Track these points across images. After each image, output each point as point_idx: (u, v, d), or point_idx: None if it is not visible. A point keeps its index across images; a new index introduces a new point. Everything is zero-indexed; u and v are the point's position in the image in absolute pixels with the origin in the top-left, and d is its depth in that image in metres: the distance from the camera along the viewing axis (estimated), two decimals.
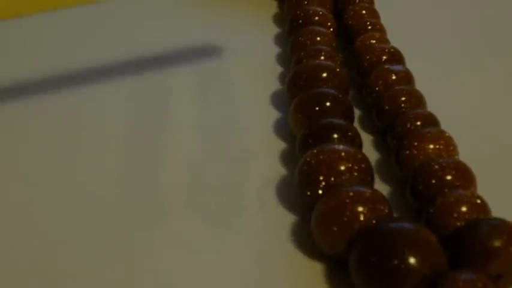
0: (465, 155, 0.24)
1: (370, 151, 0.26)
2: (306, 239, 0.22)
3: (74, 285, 0.21)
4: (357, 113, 0.28)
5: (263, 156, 0.26)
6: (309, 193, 0.22)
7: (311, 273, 0.21)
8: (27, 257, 0.22)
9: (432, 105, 0.26)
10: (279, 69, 0.31)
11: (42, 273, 0.21)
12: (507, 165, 0.25)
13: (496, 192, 0.22)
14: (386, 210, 0.21)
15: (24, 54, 0.32)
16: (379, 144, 0.27)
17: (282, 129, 0.27)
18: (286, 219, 0.23)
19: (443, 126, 0.25)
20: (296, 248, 0.22)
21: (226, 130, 0.28)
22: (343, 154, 0.22)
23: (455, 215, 0.21)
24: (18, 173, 0.25)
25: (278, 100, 0.29)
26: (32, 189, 0.24)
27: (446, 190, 0.22)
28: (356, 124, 0.27)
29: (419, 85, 0.27)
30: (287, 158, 0.26)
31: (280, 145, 0.27)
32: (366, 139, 0.26)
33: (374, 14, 0.32)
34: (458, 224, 0.21)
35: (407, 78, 0.27)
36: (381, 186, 0.24)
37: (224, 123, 0.28)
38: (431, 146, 0.23)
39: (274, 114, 0.28)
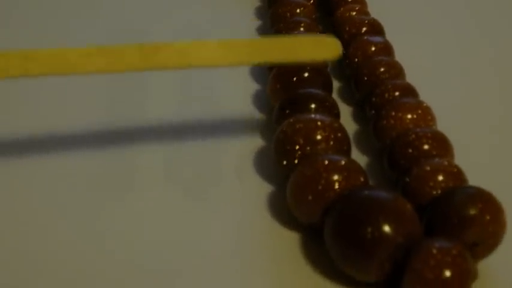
0: (443, 125, 0.23)
1: (348, 123, 0.26)
2: (283, 209, 0.22)
3: (45, 255, 0.20)
4: (336, 85, 0.28)
5: (241, 128, 0.26)
6: (285, 162, 0.22)
7: (287, 243, 0.21)
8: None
9: (411, 77, 0.26)
10: None
11: (11, 240, 0.21)
12: (485, 135, 0.25)
13: (473, 162, 0.22)
14: (362, 179, 0.21)
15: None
16: (357, 116, 0.26)
17: (260, 101, 0.27)
18: (263, 189, 0.23)
19: (422, 97, 0.25)
20: (272, 218, 0.22)
21: (204, 102, 0.27)
22: (319, 123, 0.22)
23: (431, 183, 0.21)
24: None
25: (257, 73, 0.29)
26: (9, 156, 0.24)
27: (422, 159, 0.21)
28: (335, 96, 0.27)
29: (400, 57, 0.27)
30: (265, 130, 0.26)
31: (258, 117, 0.26)
32: (345, 111, 0.26)
33: None
34: (435, 193, 0.20)
35: (386, 49, 0.27)
36: (359, 158, 0.24)
37: (202, 95, 0.28)
38: (409, 116, 0.23)
39: (253, 87, 0.28)
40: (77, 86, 0.28)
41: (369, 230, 0.19)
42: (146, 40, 0.30)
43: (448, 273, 0.18)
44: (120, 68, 0.19)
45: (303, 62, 0.20)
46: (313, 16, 0.30)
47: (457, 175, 0.21)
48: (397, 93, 0.24)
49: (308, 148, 0.21)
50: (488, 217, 0.19)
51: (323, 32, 0.30)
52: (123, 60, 0.19)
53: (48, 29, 0.32)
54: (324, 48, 0.20)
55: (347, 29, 0.28)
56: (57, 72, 0.19)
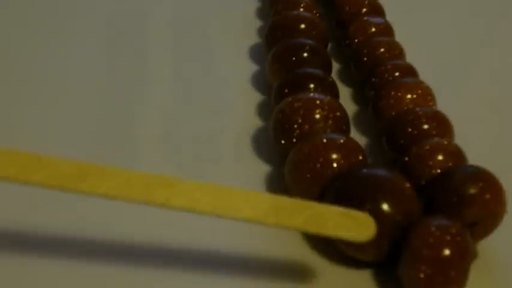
0: (444, 105, 0.23)
1: (348, 104, 0.26)
2: (281, 188, 0.22)
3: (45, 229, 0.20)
4: (336, 66, 0.27)
5: (240, 108, 0.26)
6: (283, 141, 0.22)
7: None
8: None
9: (412, 58, 0.26)
10: (258, 23, 0.31)
11: None
12: (485, 115, 0.25)
13: (473, 142, 0.22)
14: (361, 158, 0.20)
15: None
16: (357, 98, 0.26)
17: (259, 82, 0.27)
18: (261, 169, 0.23)
19: (422, 77, 0.24)
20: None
21: (203, 82, 0.27)
22: (318, 102, 0.22)
23: (430, 163, 0.20)
24: None
25: (256, 53, 0.29)
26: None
27: (422, 139, 0.21)
28: (335, 77, 0.26)
29: (400, 38, 0.27)
30: (264, 110, 0.26)
31: (257, 97, 0.26)
32: (344, 92, 0.26)
33: None
34: (434, 172, 0.20)
35: (387, 30, 0.27)
36: (358, 139, 0.24)
37: (202, 75, 0.28)
38: (409, 96, 0.23)
39: (252, 67, 0.28)
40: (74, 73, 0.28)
41: (368, 208, 0.18)
42: (144, 27, 0.30)
43: (447, 252, 0.18)
44: (121, 195, 0.17)
45: (329, 236, 0.18)
46: None
47: (456, 154, 0.21)
48: (397, 74, 0.24)
49: (307, 127, 0.21)
50: (488, 196, 0.19)
51: (324, 13, 0.29)
52: (126, 188, 0.17)
53: (41, 6, 0.32)
54: (356, 225, 0.17)
55: (347, 9, 0.28)
56: (55, 187, 0.17)
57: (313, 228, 0.18)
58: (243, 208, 0.18)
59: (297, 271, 0.20)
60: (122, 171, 0.18)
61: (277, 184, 0.22)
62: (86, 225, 0.21)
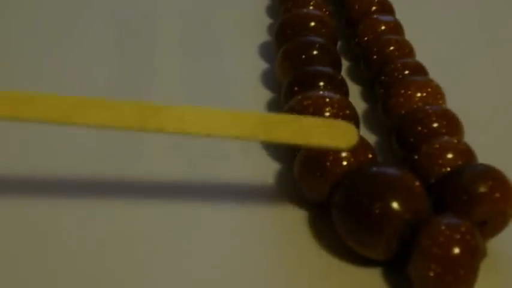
0: (454, 104, 0.23)
1: (357, 102, 0.26)
2: (290, 186, 0.22)
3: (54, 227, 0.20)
4: (345, 64, 0.27)
5: (250, 106, 0.26)
6: None
7: (294, 219, 0.21)
8: None
9: (421, 56, 0.26)
10: (268, 21, 0.31)
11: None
12: (495, 113, 0.25)
13: (483, 140, 0.22)
14: (371, 156, 0.20)
15: None
16: (366, 95, 0.26)
17: (269, 79, 0.27)
18: (271, 166, 0.23)
19: (432, 75, 0.24)
20: (280, 195, 0.22)
21: (213, 80, 0.27)
22: (327, 100, 0.22)
23: (440, 161, 0.20)
24: None
25: (266, 51, 0.29)
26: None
27: (431, 137, 0.21)
28: (344, 75, 0.26)
29: (410, 36, 0.27)
30: (273, 108, 0.26)
31: (267, 95, 0.26)
32: (354, 90, 0.26)
33: None
34: (443, 170, 0.20)
35: (396, 28, 0.27)
36: (368, 136, 0.24)
37: (211, 73, 0.28)
38: (418, 94, 0.23)
39: (261, 65, 0.28)
40: (81, 66, 0.28)
41: (377, 206, 0.18)
42: (152, 25, 0.30)
43: (456, 250, 0.18)
44: (115, 125, 0.18)
45: (314, 146, 0.19)
46: None
47: (466, 153, 0.21)
48: (406, 72, 0.24)
49: None
50: (497, 195, 0.19)
51: (333, 11, 0.29)
52: (119, 117, 0.18)
53: (50, 6, 0.32)
54: (339, 134, 0.18)
55: (357, 7, 0.28)
56: (49, 120, 0.18)
57: (299, 140, 0.19)
58: (232, 127, 0.18)
59: (307, 269, 0.20)
60: (113, 103, 0.18)
61: (287, 182, 0.22)
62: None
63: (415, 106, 0.23)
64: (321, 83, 0.23)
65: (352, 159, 0.20)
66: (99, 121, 0.18)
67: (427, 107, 0.22)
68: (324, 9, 0.28)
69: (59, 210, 0.21)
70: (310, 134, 0.19)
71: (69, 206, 0.21)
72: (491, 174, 0.20)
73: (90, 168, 0.23)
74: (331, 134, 0.19)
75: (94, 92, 0.26)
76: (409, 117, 0.22)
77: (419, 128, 0.22)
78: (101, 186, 0.22)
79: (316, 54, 0.25)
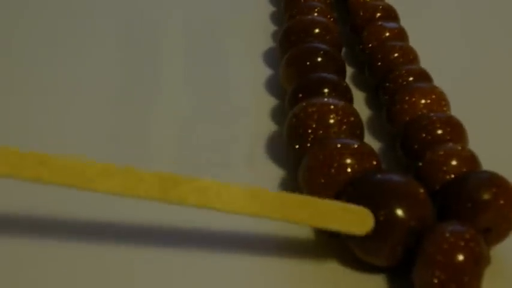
0: (458, 111, 0.23)
1: (362, 108, 0.26)
2: (293, 192, 0.22)
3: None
4: (350, 70, 0.27)
5: (253, 113, 0.26)
6: (297, 146, 0.22)
7: (298, 226, 0.21)
8: None
9: (426, 62, 0.26)
10: (272, 27, 0.31)
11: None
12: (499, 120, 0.25)
13: (487, 147, 0.22)
14: (375, 163, 0.20)
15: None
16: (371, 102, 0.26)
17: (273, 86, 0.27)
18: (275, 173, 0.23)
19: (436, 82, 0.24)
20: None
21: (217, 86, 0.27)
22: (332, 107, 0.22)
23: (444, 168, 0.20)
24: None
25: (270, 58, 0.29)
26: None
27: (436, 144, 0.21)
28: (349, 82, 0.27)
29: (414, 43, 0.27)
30: (277, 115, 0.26)
31: (271, 102, 0.26)
32: (358, 96, 0.26)
33: None
34: (448, 177, 0.20)
35: (401, 35, 0.27)
36: (372, 143, 0.24)
37: (215, 79, 0.28)
38: (423, 101, 0.23)
39: (266, 72, 0.28)
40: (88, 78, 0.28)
41: (382, 213, 0.18)
42: (157, 32, 0.30)
43: (460, 257, 0.18)
44: (136, 194, 0.18)
45: (330, 229, 0.19)
46: (328, 1, 0.29)
47: (470, 160, 0.21)
48: (411, 79, 0.24)
49: (321, 132, 0.21)
50: (502, 202, 0.19)
51: (338, 18, 0.29)
52: (140, 187, 0.18)
53: (62, 18, 0.32)
54: (355, 219, 0.19)
55: (361, 14, 0.28)
56: (71, 184, 0.18)
57: (316, 223, 0.19)
58: (252, 205, 0.19)
59: (310, 276, 0.20)
60: (136, 172, 0.18)
61: (291, 189, 0.22)
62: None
63: (420, 113, 0.23)
64: (326, 90, 0.23)
65: (356, 167, 0.20)
66: (120, 190, 0.18)
67: (432, 114, 0.22)
68: (328, 16, 0.28)
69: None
70: (327, 218, 0.19)
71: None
72: (495, 181, 0.20)
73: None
74: (347, 218, 0.19)
75: (100, 99, 0.26)
76: (413, 124, 0.22)
77: (424, 135, 0.22)
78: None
79: (320, 61, 0.25)
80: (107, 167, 0.18)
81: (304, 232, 0.21)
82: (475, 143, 0.22)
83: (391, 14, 0.28)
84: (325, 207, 0.19)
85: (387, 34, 0.27)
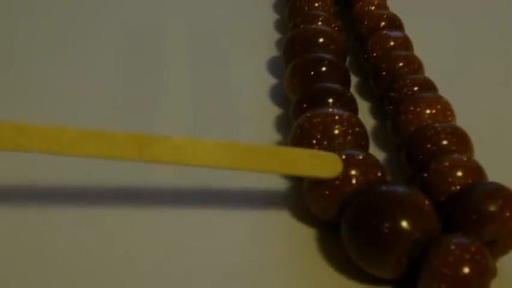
0: (464, 121, 0.23)
1: (366, 118, 0.26)
2: (299, 204, 0.22)
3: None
4: (354, 80, 0.27)
5: (258, 123, 0.26)
6: None
7: (303, 238, 0.21)
8: None
9: (431, 72, 0.26)
10: (276, 36, 0.31)
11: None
12: (505, 131, 0.25)
13: (493, 158, 0.22)
14: (380, 174, 0.20)
15: None
16: (375, 111, 0.26)
17: (277, 95, 0.27)
18: (279, 184, 0.23)
19: (442, 92, 0.24)
20: (289, 213, 0.22)
21: (221, 96, 0.27)
22: (337, 118, 0.22)
23: (450, 179, 0.20)
24: None
25: (275, 67, 0.29)
26: None
27: (441, 155, 0.21)
28: (353, 91, 0.26)
29: (419, 52, 0.27)
30: (282, 124, 0.25)
31: (275, 111, 0.26)
32: (363, 106, 0.26)
33: None
34: (453, 188, 0.20)
35: (405, 44, 0.27)
36: (377, 153, 0.24)
37: (219, 89, 0.28)
38: (428, 111, 0.23)
39: (270, 81, 0.28)
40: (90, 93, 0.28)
41: (387, 225, 0.18)
42: (160, 41, 0.30)
43: (466, 270, 0.17)
44: (112, 156, 0.19)
45: (300, 175, 0.20)
46: (332, 10, 0.29)
47: (476, 171, 0.21)
48: (416, 88, 0.24)
49: (325, 143, 0.21)
50: (508, 214, 0.19)
51: (342, 27, 0.29)
52: (117, 149, 0.19)
53: (59, 18, 0.32)
54: (324, 165, 0.20)
55: (366, 23, 0.28)
56: (49, 151, 0.19)
57: (287, 170, 0.20)
58: (224, 158, 0.19)
59: None
60: (111, 134, 0.19)
61: (296, 200, 0.22)
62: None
63: (425, 123, 0.23)
64: (330, 100, 0.23)
65: (361, 178, 0.20)
66: (97, 152, 0.19)
67: (437, 124, 0.22)
68: (332, 25, 0.28)
69: (62, 216, 0.21)
70: (297, 165, 0.20)
71: (78, 212, 0.22)
72: (501, 192, 0.19)
73: (96, 178, 0.23)
74: (317, 164, 0.20)
75: (102, 107, 0.26)
76: (418, 135, 0.22)
77: (429, 146, 0.22)
78: (107, 194, 0.22)
79: (325, 71, 0.25)
80: (82, 132, 0.19)
81: (308, 243, 0.21)
82: (481, 154, 0.22)
83: (395, 23, 0.28)
84: (295, 154, 0.20)
85: (392, 43, 0.27)
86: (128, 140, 0.19)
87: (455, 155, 0.21)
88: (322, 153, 0.20)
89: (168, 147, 0.19)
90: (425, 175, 0.21)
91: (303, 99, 0.23)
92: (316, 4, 0.29)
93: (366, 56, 0.27)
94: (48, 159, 0.19)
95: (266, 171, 0.20)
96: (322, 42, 0.26)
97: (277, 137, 0.25)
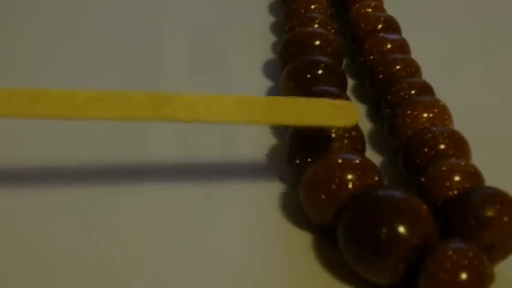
0: (461, 125, 0.23)
1: (363, 122, 0.25)
2: (295, 209, 0.21)
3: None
4: (351, 83, 0.27)
5: (253, 126, 0.25)
6: (298, 161, 0.21)
7: (299, 243, 0.21)
8: None
9: (428, 75, 0.25)
10: (272, 38, 0.31)
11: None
12: (502, 135, 0.25)
13: (491, 162, 0.21)
14: (377, 179, 0.20)
15: None
16: (372, 115, 0.26)
17: None
18: (275, 188, 0.23)
19: (439, 95, 0.24)
20: (285, 218, 0.22)
21: None
22: None
23: (447, 184, 0.20)
24: None
25: (270, 69, 0.28)
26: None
27: (438, 159, 0.21)
28: (350, 94, 0.26)
29: (416, 55, 0.27)
30: (278, 128, 0.25)
31: None
32: (360, 109, 0.26)
33: None
34: (451, 193, 0.20)
35: (403, 47, 0.27)
36: (374, 157, 0.24)
37: (215, 91, 0.27)
38: (425, 115, 0.23)
39: (266, 84, 0.28)
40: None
41: (384, 230, 0.18)
42: (156, 43, 0.30)
43: (464, 276, 0.17)
44: (129, 116, 0.18)
45: (319, 125, 0.20)
46: (328, 12, 0.29)
47: (474, 175, 0.20)
48: (413, 92, 0.24)
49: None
50: (505, 219, 0.19)
51: (339, 29, 0.29)
52: (132, 109, 0.18)
53: (59, 21, 0.32)
54: (342, 113, 0.20)
55: (362, 25, 0.28)
56: (64, 116, 0.18)
57: (304, 121, 0.20)
58: (241, 112, 0.19)
59: None
60: (125, 94, 0.19)
61: (292, 204, 0.22)
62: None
63: (422, 127, 0.22)
64: None
65: (358, 182, 0.20)
66: (113, 114, 0.18)
67: (434, 128, 0.22)
68: (329, 28, 0.28)
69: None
70: (315, 115, 0.20)
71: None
72: (499, 197, 0.19)
73: (90, 183, 0.23)
74: (334, 113, 0.20)
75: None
76: (415, 139, 0.22)
77: (426, 150, 0.21)
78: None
79: (321, 74, 0.24)
80: (98, 93, 0.18)
81: (304, 248, 0.20)
82: (478, 158, 0.22)
83: (392, 26, 0.28)
84: (311, 104, 0.20)
85: (389, 46, 0.26)
86: (144, 98, 0.18)
87: (453, 159, 0.21)
88: (338, 102, 0.20)
89: (183, 104, 0.19)
90: (423, 179, 0.21)
91: None
92: (313, 6, 0.29)
93: (362, 58, 0.27)
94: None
95: (283, 123, 0.20)
96: (318, 45, 0.26)
97: (272, 140, 0.25)
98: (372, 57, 0.26)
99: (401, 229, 0.18)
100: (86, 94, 0.18)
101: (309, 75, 0.24)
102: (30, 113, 0.18)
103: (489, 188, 0.20)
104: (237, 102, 0.19)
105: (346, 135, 0.21)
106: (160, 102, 0.18)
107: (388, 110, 0.24)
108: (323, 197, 0.20)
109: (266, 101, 0.19)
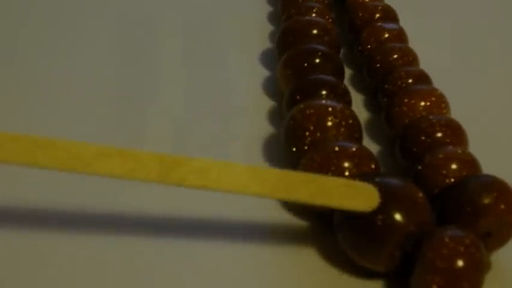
0: (458, 113, 0.23)
1: (360, 111, 0.25)
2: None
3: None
4: (348, 72, 0.27)
5: (251, 114, 0.26)
6: (294, 149, 0.21)
7: (296, 231, 0.21)
8: None
9: (425, 64, 0.25)
10: (270, 28, 0.31)
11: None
12: (499, 123, 0.25)
13: (488, 150, 0.21)
14: (373, 166, 0.20)
15: None
16: (369, 104, 0.26)
17: (270, 87, 0.27)
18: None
19: (436, 84, 0.24)
20: (281, 206, 0.21)
21: (214, 88, 0.27)
22: (330, 109, 0.21)
23: (444, 172, 0.20)
24: None
25: (268, 59, 0.28)
26: None
27: (435, 147, 0.21)
28: (347, 83, 0.26)
29: (413, 44, 0.27)
30: (275, 117, 0.25)
31: (268, 103, 0.26)
32: (357, 99, 0.26)
33: None
34: (448, 181, 0.20)
35: (400, 36, 0.27)
36: (371, 146, 0.23)
37: (212, 81, 0.27)
38: (422, 103, 0.23)
39: (263, 73, 0.28)
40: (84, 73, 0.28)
41: (380, 217, 0.18)
42: (153, 33, 0.30)
43: (460, 263, 0.17)
44: (135, 176, 0.18)
45: (334, 207, 0.19)
46: (326, 1, 0.29)
47: (470, 164, 0.20)
48: (410, 80, 0.24)
49: (318, 134, 0.21)
50: (502, 206, 0.19)
51: (336, 18, 0.29)
52: (139, 169, 0.18)
53: (57, 16, 0.32)
54: (360, 195, 0.18)
55: (360, 14, 0.28)
56: (68, 168, 0.17)
57: (319, 200, 0.18)
58: (253, 184, 0.18)
59: (308, 281, 0.19)
60: (135, 153, 0.18)
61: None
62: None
63: (419, 115, 0.22)
64: (324, 92, 0.23)
65: (355, 170, 0.20)
66: (119, 172, 0.18)
67: (431, 117, 0.22)
68: (326, 17, 0.28)
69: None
70: (331, 195, 0.18)
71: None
72: (496, 185, 0.19)
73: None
74: (352, 195, 0.18)
75: (98, 100, 0.26)
76: (412, 127, 0.22)
77: (423, 138, 0.21)
78: (102, 204, 0.22)
79: (318, 63, 0.24)
80: (105, 149, 0.18)
81: (301, 236, 0.20)
82: (475, 146, 0.22)
83: (390, 15, 0.28)
84: (329, 183, 0.18)
85: (386, 35, 0.26)
86: (151, 160, 0.18)
87: (450, 148, 0.21)
88: (358, 183, 0.18)
89: (192, 169, 0.18)
90: (420, 167, 0.21)
91: (296, 91, 0.23)
92: None
93: (360, 47, 0.27)
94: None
95: (297, 201, 0.19)
96: (315, 34, 0.26)
97: (269, 129, 0.25)
98: (369, 46, 0.26)
99: (398, 216, 0.18)
100: (93, 148, 0.17)
101: (306, 64, 0.24)
102: (33, 162, 0.17)
103: (486, 175, 0.20)
104: (249, 172, 0.18)
105: (343, 123, 0.21)
106: (169, 165, 0.18)
107: (385, 99, 0.24)
108: None
109: (281, 175, 0.18)
